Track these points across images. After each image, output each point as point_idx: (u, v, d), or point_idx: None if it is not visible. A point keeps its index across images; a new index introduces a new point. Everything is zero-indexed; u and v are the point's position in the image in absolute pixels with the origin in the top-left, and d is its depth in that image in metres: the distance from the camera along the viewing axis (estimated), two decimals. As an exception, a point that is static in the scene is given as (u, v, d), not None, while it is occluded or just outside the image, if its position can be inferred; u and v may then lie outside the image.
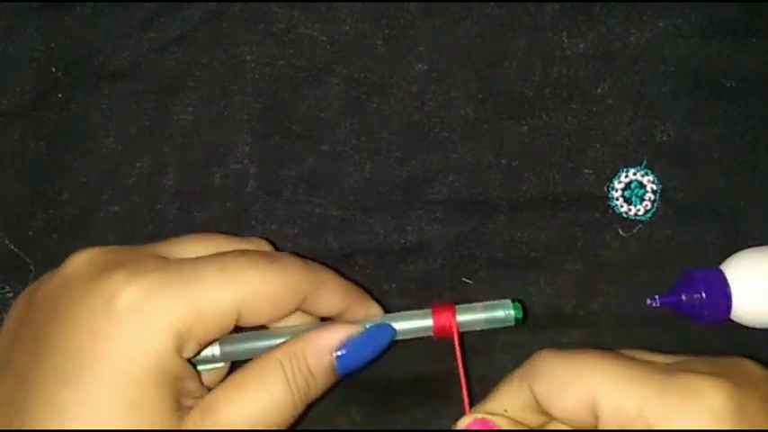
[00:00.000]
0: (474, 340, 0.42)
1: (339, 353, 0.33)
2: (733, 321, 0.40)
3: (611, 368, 0.30)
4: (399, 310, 0.43)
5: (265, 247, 0.37)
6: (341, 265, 0.43)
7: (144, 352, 0.30)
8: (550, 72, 0.44)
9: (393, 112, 0.44)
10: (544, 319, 0.43)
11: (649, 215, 0.43)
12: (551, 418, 0.32)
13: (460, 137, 0.44)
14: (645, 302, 0.41)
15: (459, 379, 0.35)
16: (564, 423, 0.32)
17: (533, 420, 0.33)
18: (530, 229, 0.43)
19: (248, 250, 0.34)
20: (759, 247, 0.41)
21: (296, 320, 0.35)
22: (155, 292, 0.30)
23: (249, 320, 0.32)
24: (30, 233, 0.43)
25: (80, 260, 0.32)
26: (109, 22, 0.44)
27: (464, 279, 0.43)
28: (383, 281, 0.43)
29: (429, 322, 0.36)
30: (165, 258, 0.33)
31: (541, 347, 0.35)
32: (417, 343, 0.43)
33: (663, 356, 0.33)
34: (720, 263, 0.41)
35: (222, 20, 0.44)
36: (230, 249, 0.34)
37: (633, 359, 0.31)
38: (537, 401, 0.32)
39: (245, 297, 0.32)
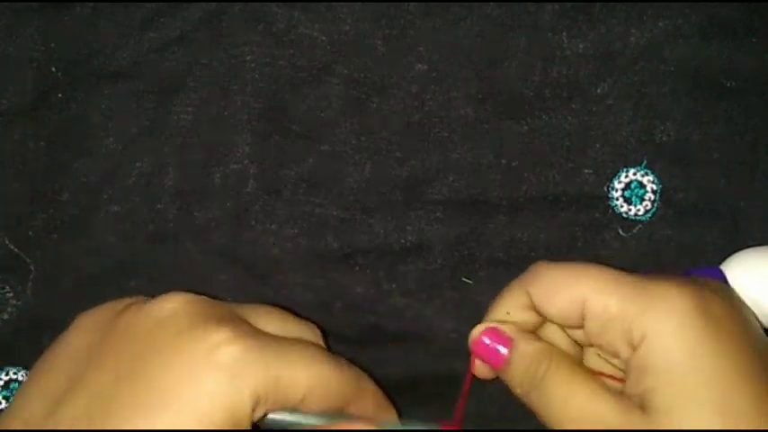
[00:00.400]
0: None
1: None
2: (733, 321, 0.40)
3: (598, 275, 0.34)
4: (399, 311, 0.43)
5: (318, 332, 0.39)
6: (341, 265, 0.43)
7: (227, 406, 0.32)
8: (550, 72, 0.44)
9: (393, 112, 0.44)
10: (544, 319, 0.43)
11: (649, 215, 0.43)
12: (544, 319, 0.37)
13: (460, 137, 0.44)
14: (645, 302, 0.41)
15: None
16: (555, 322, 0.36)
17: (530, 320, 0.37)
18: (530, 229, 0.43)
19: (320, 346, 0.37)
20: (759, 247, 0.41)
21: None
22: (252, 356, 0.33)
23: (307, 404, 0.34)
24: (30, 233, 0.43)
25: (177, 304, 0.34)
26: (109, 22, 0.44)
27: (464, 279, 0.43)
28: (383, 281, 0.43)
29: None
30: (256, 327, 0.36)
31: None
32: (417, 343, 0.43)
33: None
34: (720, 263, 0.41)
35: (222, 20, 0.44)
36: (293, 326, 0.38)
37: (616, 270, 0.35)
38: (533, 303, 0.36)
39: (315, 383, 0.34)
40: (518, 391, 0.35)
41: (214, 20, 0.44)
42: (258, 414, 0.33)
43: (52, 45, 0.44)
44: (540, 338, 0.37)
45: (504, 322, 0.37)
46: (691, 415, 0.30)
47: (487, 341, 0.36)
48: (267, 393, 0.33)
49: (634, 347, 0.32)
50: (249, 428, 0.33)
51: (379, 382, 0.41)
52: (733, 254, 0.41)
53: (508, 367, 0.36)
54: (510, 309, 0.37)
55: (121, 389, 0.32)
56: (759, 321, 0.38)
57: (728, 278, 0.40)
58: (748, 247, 0.41)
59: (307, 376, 0.34)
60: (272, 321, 0.37)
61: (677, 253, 0.43)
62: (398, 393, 0.42)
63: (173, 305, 0.34)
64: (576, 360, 0.36)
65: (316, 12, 0.44)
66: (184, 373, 0.32)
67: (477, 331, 0.37)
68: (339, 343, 0.42)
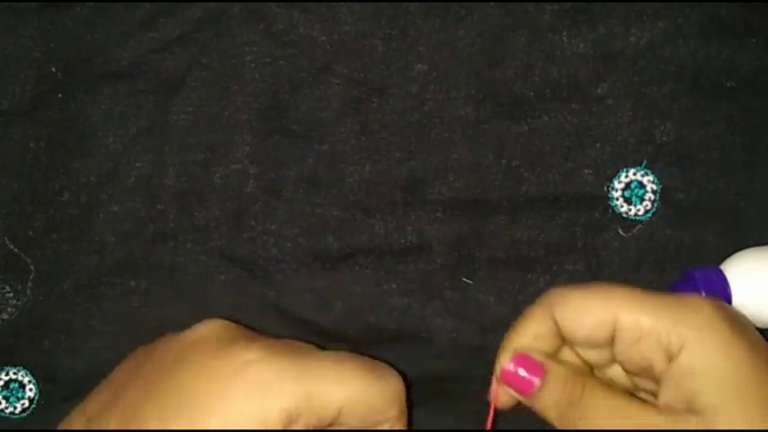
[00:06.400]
0: (473, 340, 0.42)
1: None
2: (733, 321, 0.40)
3: (625, 294, 0.35)
4: (399, 311, 0.43)
5: None
6: (341, 265, 0.43)
7: (256, 422, 0.32)
8: (550, 72, 0.44)
9: (393, 112, 0.44)
10: (544, 319, 0.43)
11: (649, 215, 0.43)
12: (563, 343, 0.36)
13: (460, 137, 0.44)
14: (645, 302, 0.41)
15: None
16: (581, 344, 0.36)
17: (550, 345, 0.36)
18: (530, 229, 0.43)
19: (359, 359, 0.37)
20: (759, 247, 0.41)
21: None
22: (282, 372, 0.33)
23: (344, 421, 0.34)
24: (30, 233, 0.43)
25: (209, 328, 0.35)
26: (109, 22, 0.44)
27: (464, 279, 0.43)
28: (383, 281, 0.43)
29: None
30: (288, 343, 0.36)
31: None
32: (417, 343, 0.43)
33: None
34: (720, 263, 0.41)
35: (222, 20, 0.44)
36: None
37: (637, 287, 0.36)
38: (559, 328, 0.36)
39: (350, 398, 0.34)
40: (551, 413, 0.35)
41: (214, 20, 0.44)
42: (298, 428, 0.33)
43: (52, 45, 0.44)
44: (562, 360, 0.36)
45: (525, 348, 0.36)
46: (740, 411, 0.32)
47: (518, 369, 0.35)
48: (299, 409, 0.33)
49: (671, 357, 0.33)
50: None
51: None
52: (733, 254, 0.41)
53: (540, 392, 0.35)
54: (534, 335, 0.36)
55: (150, 404, 0.33)
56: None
57: (728, 278, 0.40)
58: (748, 247, 0.41)
59: (341, 392, 0.34)
60: None
61: (677, 253, 0.43)
62: (398, 393, 0.42)
63: (204, 329, 0.35)
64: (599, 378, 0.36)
65: (316, 12, 0.44)
66: (212, 388, 0.32)
67: (505, 359, 0.36)
68: (339, 343, 0.42)
